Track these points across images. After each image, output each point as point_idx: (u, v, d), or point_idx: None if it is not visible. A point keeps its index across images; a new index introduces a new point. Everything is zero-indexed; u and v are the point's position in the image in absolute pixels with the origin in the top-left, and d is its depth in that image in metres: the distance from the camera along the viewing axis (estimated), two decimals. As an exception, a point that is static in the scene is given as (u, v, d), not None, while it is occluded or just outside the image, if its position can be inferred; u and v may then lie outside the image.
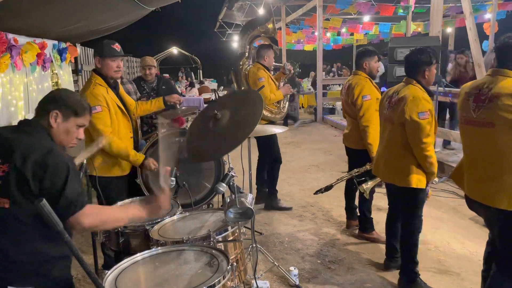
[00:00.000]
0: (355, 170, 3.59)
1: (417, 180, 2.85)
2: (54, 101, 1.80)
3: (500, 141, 2.15)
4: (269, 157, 4.69)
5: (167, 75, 17.96)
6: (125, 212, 1.84)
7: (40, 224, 1.60)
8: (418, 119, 2.71)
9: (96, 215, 1.69)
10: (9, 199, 1.60)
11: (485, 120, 2.20)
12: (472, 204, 2.43)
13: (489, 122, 2.18)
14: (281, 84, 4.76)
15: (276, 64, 4.89)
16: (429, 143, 2.76)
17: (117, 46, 2.96)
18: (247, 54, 4.79)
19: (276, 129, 3.43)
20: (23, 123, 1.79)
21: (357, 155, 3.77)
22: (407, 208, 3.00)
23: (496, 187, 2.20)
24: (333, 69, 19.82)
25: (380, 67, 4.37)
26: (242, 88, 4.75)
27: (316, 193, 3.70)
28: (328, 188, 3.65)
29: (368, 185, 3.42)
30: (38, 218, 1.58)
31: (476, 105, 2.25)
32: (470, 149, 2.40)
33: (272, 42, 4.79)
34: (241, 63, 4.83)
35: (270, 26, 4.67)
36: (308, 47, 19.63)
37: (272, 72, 4.76)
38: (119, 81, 3.24)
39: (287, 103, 4.86)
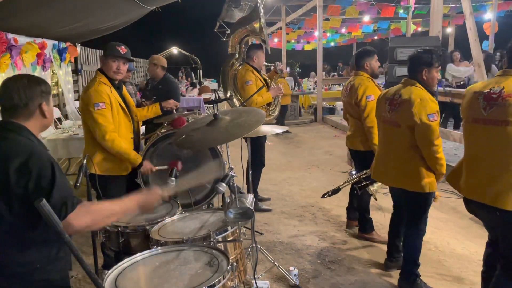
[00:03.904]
0: (363, 172, 3.54)
1: (429, 184, 2.81)
2: (34, 95, 1.68)
3: (511, 139, 2.13)
4: (255, 159, 4.40)
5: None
6: (117, 206, 1.72)
7: (30, 234, 1.59)
8: (428, 121, 2.67)
9: (87, 215, 1.58)
10: None
11: (498, 118, 2.16)
12: (472, 206, 2.40)
13: (503, 120, 2.14)
14: (273, 84, 4.56)
15: (267, 64, 4.81)
16: (440, 145, 2.73)
17: (121, 49, 2.96)
18: (237, 55, 4.65)
19: (276, 129, 3.41)
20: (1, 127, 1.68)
21: (361, 157, 3.73)
22: (415, 211, 2.97)
23: (502, 188, 2.16)
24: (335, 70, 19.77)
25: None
26: (228, 89, 4.61)
27: (323, 196, 3.63)
28: (335, 191, 3.59)
29: (375, 187, 3.39)
30: (26, 228, 1.57)
31: (488, 103, 2.21)
32: (475, 149, 2.36)
33: (261, 42, 4.63)
34: (230, 63, 4.68)
35: (256, 25, 4.50)
36: (308, 47, 19.62)
37: (263, 72, 4.65)
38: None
39: (279, 105, 4.66)
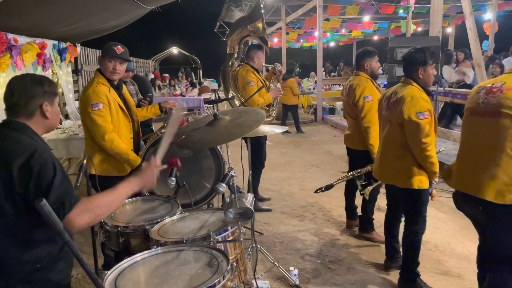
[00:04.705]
0: (357, 170, 3.58)
1: (419, 181, 2.83)
2: (35, 94, 1.68)
3: (502, 130, 2.15)
4: (255, 160, 4.35)
5: (167, 75, 17.98)
6: (117, 194, 1.72)
7: (32, 233, 1.60)
8: (417, 119, 2.69)
9: (86, 214, 1.58)
10: None
11: (491, 109, 2.19)
12: (459, 199, 2.42)
13: (496, 111, 2.17)
14: (271, 85, 4.53)
15: (267, 65, 4.78)
16: (429, 143, 2.74)
17: (118, 48, 2.94)
18: (236, 54, 4.64)
19: (276, 129, 3.41)
20: (2, 125, 1.68)
21: (358, 156, 3.76)
22: (410, 209, 2.98)
23: (484, 178, 2.18)
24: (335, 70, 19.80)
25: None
26: (229, 89, 4.64)
27: (316, 191, 3.70)
28: (328, 187, 3.65)
29: (367, 188, 3.42)
30: (29, 228, 1.58)
31: (486, 96, 2.25)
32: (468, 140, 2.39)
33: (262, 42, 4.62)
34: (229, 63, 4.66)
35: (259, 25, 4.48)
36: (307, 44, 19.64)
37: (263, 73, 4.66)
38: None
39: (276, 106, 4.65)
